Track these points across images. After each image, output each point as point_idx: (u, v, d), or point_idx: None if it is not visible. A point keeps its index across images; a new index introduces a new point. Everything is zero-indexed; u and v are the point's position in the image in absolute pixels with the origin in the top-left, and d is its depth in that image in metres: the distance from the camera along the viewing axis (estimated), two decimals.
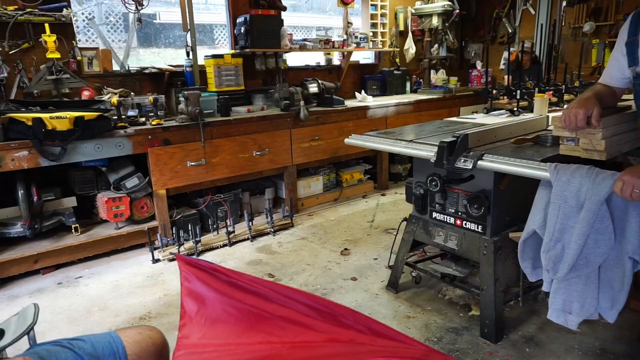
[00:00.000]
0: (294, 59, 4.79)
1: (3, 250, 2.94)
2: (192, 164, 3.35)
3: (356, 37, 4.84)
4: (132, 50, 4.30)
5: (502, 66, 5.62)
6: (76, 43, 3.46)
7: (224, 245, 3.41)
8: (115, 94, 3.45)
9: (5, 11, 3.04)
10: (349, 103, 4.43)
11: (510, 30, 5.73)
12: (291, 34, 4.35)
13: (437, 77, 5.36)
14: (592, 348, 2.08)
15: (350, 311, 1.22)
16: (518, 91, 3.02)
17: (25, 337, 1.46)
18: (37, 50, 3.25)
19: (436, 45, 5.41)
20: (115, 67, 3.74)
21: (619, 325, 2.19)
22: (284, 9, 4.32)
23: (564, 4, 4.95)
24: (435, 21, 5.21)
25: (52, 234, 3.15)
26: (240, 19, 4.08)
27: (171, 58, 5.15)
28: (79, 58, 3.44)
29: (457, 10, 5.29)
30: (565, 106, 2.42)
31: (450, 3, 5.18)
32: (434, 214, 2.36)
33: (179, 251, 3.22)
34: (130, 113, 3.27)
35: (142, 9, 3.59)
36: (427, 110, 4.81)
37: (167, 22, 5.90)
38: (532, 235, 1.75)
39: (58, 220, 3.16)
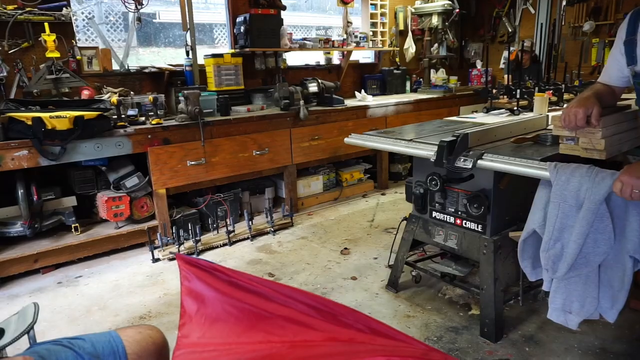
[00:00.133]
0: (293, 59, 4.79)
1: (3, 249, 2.94)
2: (192, 163, 3.35)
3: (356, 37, 4.84)
4: (132, 50, 4.30)
5: (502, 65, 5.62)
6: (76, 42, 3.46)
7: (224, 245, 3.41)
8: (115, 93, 3.45)
9: (5, 10, 3.04)
10: (349, 102, 4.43)
11: (510, 30, 5.73)
12: (291, 34, 4.35)
13: (437, 76, 5.36)
14: (592, 347, 2.08)
15: (350, 310, 1.22)
16: (518, 90, 3.02)
17: (25, 336, 1.46)
18: (37, 49, 3.25)
19: (436, 45, 5.41)
20: (115, 67, 3.74)
21: (618, 324, 2.19)
22: (284, 8, 4.32)
23: (564, 3, 4.95)
24: (435, 20, 5.21)
25: (52, 234, 3.15)
26: (240, 19, 4.08)
27: (171, 57, 5.15)
28: (78, 57, 3.44)
29: (457, 10, 5.29)
30: (565, 105, 2.42)
31: (450, 2, 5.18)
32: (434, 213, 2.36)
33: (179, 250, 3.22)
34: (130, 112, 3.27)
35: (141, 8, 3.59)
36: (427, 110, 4.81)
37: (167, 22, 5.90)
38: (532, 235, 1.75)
39: (58, 219, 3.16)
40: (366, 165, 4.72)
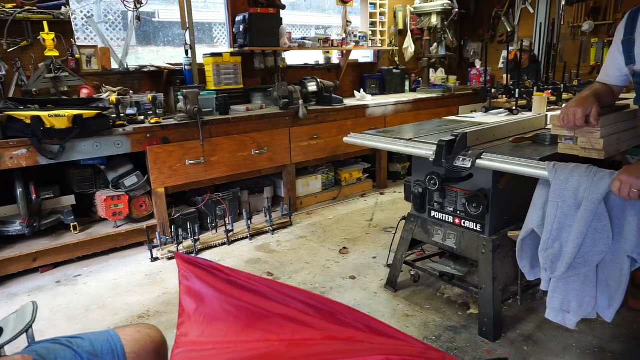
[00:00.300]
0: (292, 58, 4.79)
1: (2, 248, 2.94)
2: (191, 162, 3.35)
3: (355, 36, 4.84)
4: (131, 49, 4.30)
5: (501, 65, 5.63)
6: (75, 41, 3.45)
7: (223, 244, 3.41)
8: (114, 92, 3.45)
9: (4, 9, 3.03)
10: (348, 102, 4.43)
11: (509, 29, 5.73)
12: (290, 33, 4.35)
13: (436, 76, 5.37)
14: (590, 346, 2.09)
15: (348, 309, 1.23)
16: (517, 90, 3.03)
17: (24, 335, 1.46)
18: (36, 48, 3.24)
19: (435, 44, 5.41)
20: (114, 66, 3.73)
21: (616, 323, 2.19)
22: (283, 7, 4.32)
23: (563, 3, 4.95)
24: (434, 20, 5.21)
25: (50, 232, 3.15)
26: (239, 18, 4.07)
27: (170, 56, 5.15)
28: (77, 56, 3.43)
29: (456, 9, 5.28)
30: (563, 105, 2.43)
31: (449, 2, 5.17)
32: (433, 213, 2.36)
33: (177, 249, 3.22)
34: (129, 111, 3.27)
35: (141, 7, 3.59)
36: (426, 109, 4.81)
37: (166, 21, 5.90)
38: (531, 234, 1.75)
39: (57, 218, 3.16)
40: (365, 165, 4.72)
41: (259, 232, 3.60)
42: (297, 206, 4.15)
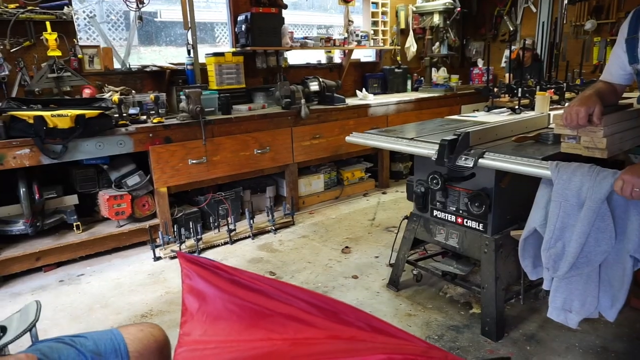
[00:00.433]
0: (294, 57, 4.79)
1: (5, 247, 2.95)
2: (193, 162, 3.36)
3: (357, 35, 4.84)
4: (133, 49, 4.31)
5: (503, 64, 5.61)
6: (77, 41, 3.46)
7: (225, 243, 3.42)
8: (117, 92, 3.46)
9: (7, 9, 3.04)
10: (350, 101, 4.42)
11: (511, 28, 5.72)
12: (292, 32, 4.35)
13: (438, 75, 5.36)
14: (593, 346, 2.08)
15: (351, 308, 1.23)
16: (519, 89, 3.02)
17: (28, 334, 1.46)
18: (39, 48, 3.25)
19: (437, 44, 5.40)
20: (116, 65, 3.74)
21: (619, 323, 2.19)
22: (285, 7, 4.32)
23: (566, 1, 4.92)
24: (436, 19, 5.20)
25: (53, 232, 3.16)
26: (241, 17, 4.08)
27: (172, 56, 5.15)
28: (80, 56, 3.44)
29: (459, 8, 5.27)
30: (566, 104, 2.42)
31: (451, 1, 5.16)
32: (435, 212, 2.36)
33: (180, 249, 3.23)
34: (132, 111, 3.28)
35: (143, 7, 3.59)
36: (428, 109, 4.80)
37: (168, 20, 5.90)
38: (533, 234, 1.75)
39: (60, 218, 3.16)
40: (367, 164, 4.72)
41: (262, 232, 3.61)
42: (299, 205, 4.15)
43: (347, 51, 4.88)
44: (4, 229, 2.95)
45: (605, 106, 1.63)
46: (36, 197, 2.94)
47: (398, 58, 5.47)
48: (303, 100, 3.88)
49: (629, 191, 1.40)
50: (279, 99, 3.88)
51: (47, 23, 3.10)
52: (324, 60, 4.98)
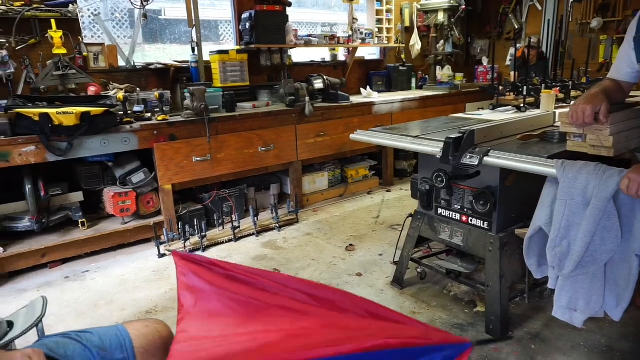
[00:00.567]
0: (299, 55, 4.79)
1: (11, 244, 2.97)
2: (198, 159, 3.36)
3: (361, 33, 4.83)
4: (138, 46, 4.31)
5: (508, 62, 5.58)
6: (82, 39, 3.48)
7: (230, 241, 3.43)
8: (121, 89, 3.47)
9: (12, 7, 3.06)
10: (354, 99, 4.42)
11: (516, 26, 5.69)
12: (296, 30, 4.34)
13: (443, 73, 5.34)
14: (598, 345, 2.07)
15: (348, 295, 1.22)
16: (524, 87, 3.00)
17: (34, 329, 1.47)
18: (44, 46, 3.26)
19: (442, 41, 5.38)
20: (121, 63, 3.75)
21: (625, 322, 2.18)
22: (289, 4, 4.31)
23: None
24: (441, 17, 5.18)
25: (59, 229, 3.18)
26: (245, 15, 4.08)
27: (176, 54, 5.15)
28: (85, 54, 3.45)
29: (463, 6, 5.25)
30: (572, 102, 2.40)
31: None
32: (440, 210, 2.36)
33: (184, 246, 3.24)
34: (136, 108, 3.29)
35: (147, 5, 3.60)
36: (432, 107, 4.79)
37: (173, 18, 5.89)
38: (538, 232, 1.75)
39: (65, 215, 3.18)
40: (371, 162, 4.72)
41: (266, 229, 3.61)
42: (303, 203, 4.15)
43: (351, 49, 4.87)
44: (10, 226, 2.97)
45: (611, 104, 1.61)
46: (42, 194, 2.96)
47: (402, 56, 5.46)
48: (307, 98, 3.88)
49: (635, 190, 1.39)
50: (283, 96, 3.88)
51: (53, 21, 3.11)
52: (328, 58, 4.97)
